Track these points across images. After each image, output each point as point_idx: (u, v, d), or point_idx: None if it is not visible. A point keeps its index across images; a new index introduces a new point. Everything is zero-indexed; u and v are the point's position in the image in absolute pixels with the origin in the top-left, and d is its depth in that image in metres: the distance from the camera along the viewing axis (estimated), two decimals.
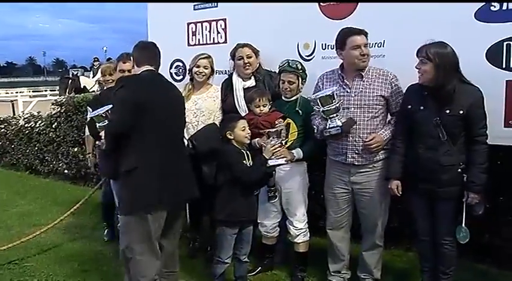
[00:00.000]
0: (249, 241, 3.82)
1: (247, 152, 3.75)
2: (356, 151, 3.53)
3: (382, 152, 3.56)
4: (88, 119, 4.50)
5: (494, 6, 3.44)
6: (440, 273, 3.45)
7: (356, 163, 3.55)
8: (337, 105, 3.37)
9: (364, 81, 3.52)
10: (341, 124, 3.38)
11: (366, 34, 3.48)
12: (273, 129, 3.64)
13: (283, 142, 3.82)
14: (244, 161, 3.68)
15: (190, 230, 4.78)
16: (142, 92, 3.23)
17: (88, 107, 5.07)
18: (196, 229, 4.71)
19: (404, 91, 3.48)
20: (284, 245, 4.35)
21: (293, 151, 3.86)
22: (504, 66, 3.41)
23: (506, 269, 3.99)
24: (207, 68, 4.38)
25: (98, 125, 3.59)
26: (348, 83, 3.55)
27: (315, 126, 3.69)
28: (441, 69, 3.12)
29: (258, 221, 4.05)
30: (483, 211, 3.29)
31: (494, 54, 3.43)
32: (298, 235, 3.98)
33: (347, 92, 3.51)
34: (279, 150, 3.67)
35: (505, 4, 3.40)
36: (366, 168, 3.57)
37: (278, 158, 3.69)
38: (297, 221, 3.97)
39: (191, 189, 3.43)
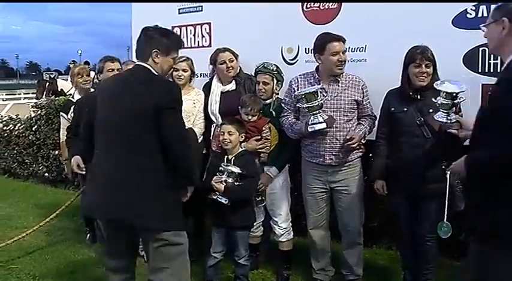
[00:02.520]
0: (239, 244, 3.79)
1: (227, 157, 3.75)
2: (334, 152, 3.62)
3: (357, 150, 3.69)
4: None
5: (470, 14, 3.60)
6: (421, 269, 3.58)
7: (334, 164, 3.65)
8: (321, 102, 3.46)
9: (339, 86, 3.63)
10: (323, 120, 3.47)
11: (344, 41, 3.58)
12: (235, 169, 3.61)
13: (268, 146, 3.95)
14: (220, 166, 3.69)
15: None
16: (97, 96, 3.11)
17: (62, 113, 5.11)
18: None
19: (384, 95, 3.60)
20: (268, 245, 4.45)
21: (269, 171, 3.95)
22: (480, 70, 3.58)
23: None
24: (186, 71, 4.39)
25: None
26: (324, 86, 3.63)
27: (287, 126, 3.77)
28: (435, 71, 3.34)
29: None
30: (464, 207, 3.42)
31: (470, 59, 3.59)
32: (283, 234, 4.07)
33: (323, 95, 3.59)
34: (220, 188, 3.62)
35: (480, 12, 3.57)
36: (342, 167, 3.67)
37: (220, 196, 3.63)
38: (281, 220, 4.06)
39: (128, 208, 2.78)
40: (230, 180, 3.60)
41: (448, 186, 3.31)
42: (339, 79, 3.63)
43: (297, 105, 3.66)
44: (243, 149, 3.83)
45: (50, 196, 7.05)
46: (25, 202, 6.76)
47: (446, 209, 3.33)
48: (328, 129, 3.53)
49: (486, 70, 3.58)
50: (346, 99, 3.61)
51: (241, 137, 3.79)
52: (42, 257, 4.72)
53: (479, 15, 3.57)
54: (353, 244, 3.83)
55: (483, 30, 2.49)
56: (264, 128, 3.95)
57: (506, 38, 2.34)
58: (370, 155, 4.38)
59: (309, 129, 3.52)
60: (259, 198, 3.99)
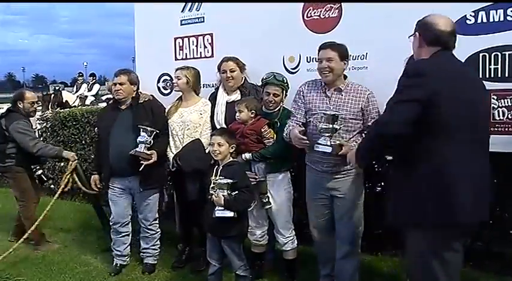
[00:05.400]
0: (231, 254, 3.79)
1: (218, 168, 3.77)
2: (330, 160, 3.58)
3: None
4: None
5: (470, 20, 3.61)
6: None
7: (331, 172, 3.63)
8: (337, 127, 3.40)
9: (342, 95, 3.60)
10: (331, 145, 3.39)
11: (331, 47, 3.57)
12: (224, 181, 3.60)
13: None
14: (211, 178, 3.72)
15: (181, 242, 4.88)
16: None
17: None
18: (186, 241, 4.79)
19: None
20: (273, 253, 4.46)
21: (244, 154, 3.97)
22: (480, 76, 3.57)
23: (487, 272, 4.12)
24: (179, 79, 4.45)
25: None
26: (328, 94, 3.63)
27: (286, 130, 3.73)
28: None
29: (248, 230, 4.12)
30: None
31: (471, 65, 3.57)
32: (286, 242, 4.08)
33: (326, 103, 3.60)
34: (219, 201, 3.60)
35: (479, 18, 3.58)
36: (340, 175, 3.63)
37: (224, 211, 3.62)
38: (283, 229, 4.07)
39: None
40: (225, 193, 3.59)
41: None
42: (342, 88, 3.61)
43: (312, 120, 3.64)
44: (231, 159, 3.82)
45: (56, 207, 7.03)
46: None
47: None
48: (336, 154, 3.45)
49: (487, 75, 3.57)
50: (348, 109, 3.56)
51: (231, 148, 3.79)
52: (48, 268, 4.74)
53: (479, 21, 3.59)
54: (348, 253, 3.73)
55: (410, 41, 2.83)
56: (263, 129, 3.96)
57: (419, 50, 2.77)
58: (374, 162, 4.41)
59: (314, 148, 3.48)
60: (266, 200, 3.99)
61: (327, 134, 3.41)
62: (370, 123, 3.56)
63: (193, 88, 4.52)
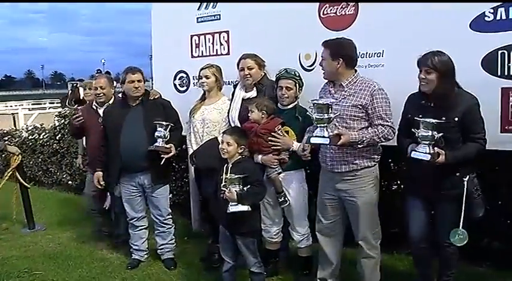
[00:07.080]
0: (245, 251, 3.78)
1: (228, 166, 3.74)
2: (334, 159, 3.56)
3: (365, 160, 3.55)
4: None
5: (488, 17, 3.57)
6: (442, 276, 3.52)
7: (336, 170, 3.57)
8: (331, 116, 3.29)
9: (345, 92, 3.52)
10: (328, 136, 3.28)
11: (324, 45, 3.60)
12: (235, 176, 3.58)
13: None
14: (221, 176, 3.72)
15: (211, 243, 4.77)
16: None
17: None
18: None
19: (405, 100, 3.52)
20: (287, 251, 4.46)
21: (294, 144, 3.92)
22: (499, 74, 3.53)
23: (505, 272, 4.05)
24: (208, 78, 4.48)
25: None
26: (332, 91, 3.59)
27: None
28: (445, 78, 3.21)
29: (262, 228, 4.13)
30: (483, 214, 3.35)
31: (489, 63, 3.54)
32: (301, 240, 4.08)
33: (334, 111, 3.44)
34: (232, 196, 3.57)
35: (498, 14, 3.53)
36: (349, 176, 3.56)
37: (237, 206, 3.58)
38: (298, 226, 4.07)
39: None
40: (237, 188, 3.58)
41: (465, 193, 3.25)
42: (344, 84, 3.53)
43: (307, 113, 3.62)
44: (240, 157, 3.78)
45: (73, 203, 7.15)
46: (49, 209, 6.87)
47: (462, 217, 3.26)
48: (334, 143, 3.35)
49: (506, 73, 3.52)
50: (347, 105, 3.46)
51: (240, 148, 3.75)
52: (66, 263, 4.81)
53: (498, 17, 3.53)
54: (364, 254, 3.68)
55: None
56: (276, 128, 3.94)
57: None
58: (390, 160, 4.39)
59: (311, 141, 3.39)
60: (282, 199, 3.99)
61: (323, 125, 3.29)
62: (376, 122, 3.43)
63: (219, 85, 4.57)
